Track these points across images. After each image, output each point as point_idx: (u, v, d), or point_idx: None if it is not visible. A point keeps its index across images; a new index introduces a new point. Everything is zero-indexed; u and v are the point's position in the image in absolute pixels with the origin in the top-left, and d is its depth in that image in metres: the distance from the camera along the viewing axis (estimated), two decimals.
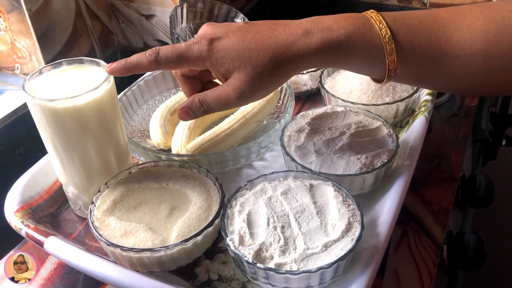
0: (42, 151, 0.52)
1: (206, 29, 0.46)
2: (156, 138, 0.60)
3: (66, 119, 0.46)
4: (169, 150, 0.60)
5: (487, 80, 0.45)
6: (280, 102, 0.66)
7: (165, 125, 0.61)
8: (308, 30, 0.44)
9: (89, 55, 0.83)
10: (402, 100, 0.61)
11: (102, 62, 0.50)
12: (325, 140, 0.54)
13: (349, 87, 0.64)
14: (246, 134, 0.62)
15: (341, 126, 0.56)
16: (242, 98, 0.45)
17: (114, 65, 0.47)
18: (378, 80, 0.48)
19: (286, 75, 0.45)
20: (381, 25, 0.44)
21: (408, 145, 0.57)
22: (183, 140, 0.58)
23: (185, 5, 0.75)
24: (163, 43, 0.87)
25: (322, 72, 0.67)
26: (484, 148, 0.90)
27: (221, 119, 0.64)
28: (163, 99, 0.69)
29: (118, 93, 0.65)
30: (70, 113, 0.46)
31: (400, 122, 0.64)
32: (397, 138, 0.55)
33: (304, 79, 0.69)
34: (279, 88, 0.65)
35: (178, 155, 0.54)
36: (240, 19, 0.80)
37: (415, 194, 0.62)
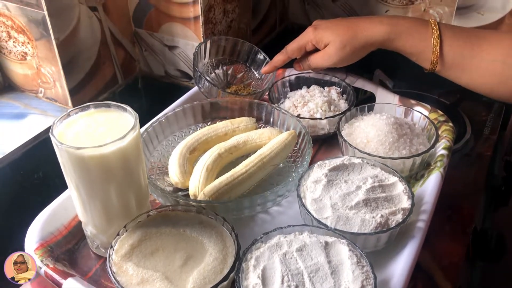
0: (60, 177, 0.51)
1: (314, 23, 0.73)
2: (174, 177, 0.61)
3: (92, 166, 0.47)
4: (187, 189, 0.60)
5: (502, 84, 0.64)
6: (298, 147, 0.67)
7: (184, 165, 0.62)
8: (383, 21, 0.68)
9: (111, 81, 0.86)
10: (419, 155, 0.61)
11: (128, 108, 0.51)
12: (341, 194, 0.55)
13: (366, 137, 0.65)
14: (262, 177, 0.63)
15: (358, 179, 0.57)
16: (331, 62, 0.71)
17: (265, 69, 0.78)
18: (425, 68, 0.69)
19: (363, 49, 0.69)
20: (434, 26, 0.66)
21: (423, 201, 0.58)
22: (200, 182, 0.59)
23: (208, 42, 0.77)
24: (184, 74, 0.89)
25: (340, 119, 0.68)
26: (496, 196, 0.90)
27: (238, 159, 0.65)
28: (183, 135, 0.70)
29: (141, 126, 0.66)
30: (96, 161, 0.47)
31: (415, 175, 0.64)
32: (413, 196, 0.55)
33: (322, 124, 0.70)
34: (297, 133, 0.66)
35: (195, 200, 0.55)
36: (261, 56, 0.81)
37: (426, 248, 0.62)
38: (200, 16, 0.79)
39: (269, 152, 0.62)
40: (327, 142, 0.73)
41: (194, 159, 0.64)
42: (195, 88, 0.77)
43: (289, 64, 0.78)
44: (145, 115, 0.73)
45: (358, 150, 0.62)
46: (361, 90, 0.79)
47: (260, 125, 0.71)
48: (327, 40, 0.70)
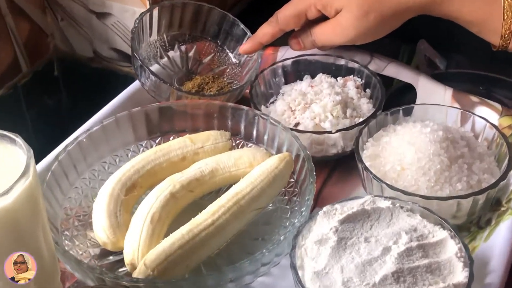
0: None
1: None
2: (101, 233, 0.59)
3: None
4: (121, 253, 0.58)
5: None
6: (294, 178, 0.65)
7: (116, 213, 0.60)
8: None
9: (11, 69, 0.84)
10: (483, 191, 0.59)
11: (18, 139, 0.48)
12: (359, 263, 0.52)
13: (400, 161, 0.63)
14: (240, 229, 0.61)
15: (386, 236, 0.55)
16: (347, 37, 0.70)
17: (244, 47, 0.76)
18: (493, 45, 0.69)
19: (395, 17, 0.68)
20: None
21: (488, 267, 0.56)
22: (141, 242, 0.57)
23: (155, 11, 0.75)
24: (123, 54, 0.88)
25: (361, 132, 0.66)
26: None
27: (202, 200, 0.63)
28: (116, 161, 0.68)
29: (49, 151, 0.64)
30: None
31: (477, 220, 0.62)
32: (471, 262, 0.53)
33: (333, 138, 0.68)
34: (293, 156, 0.63)
35: (130, 279, 0.53)
36: (239, 28, 0.79)
37: None
38: None
39: (250, 189, 0.60)
40: (340, 167, 0.72)
41: (133, 202, 0.63)
42: (137, 83, 0.75)
43: (283, 40, 0.77)
44: (65, 123, 0.71)
45: (387, 185, 0.60)
46: (395, 80, 0.78)
47: (237, 141, 0.70)
48: (340, 3, 0.68)
